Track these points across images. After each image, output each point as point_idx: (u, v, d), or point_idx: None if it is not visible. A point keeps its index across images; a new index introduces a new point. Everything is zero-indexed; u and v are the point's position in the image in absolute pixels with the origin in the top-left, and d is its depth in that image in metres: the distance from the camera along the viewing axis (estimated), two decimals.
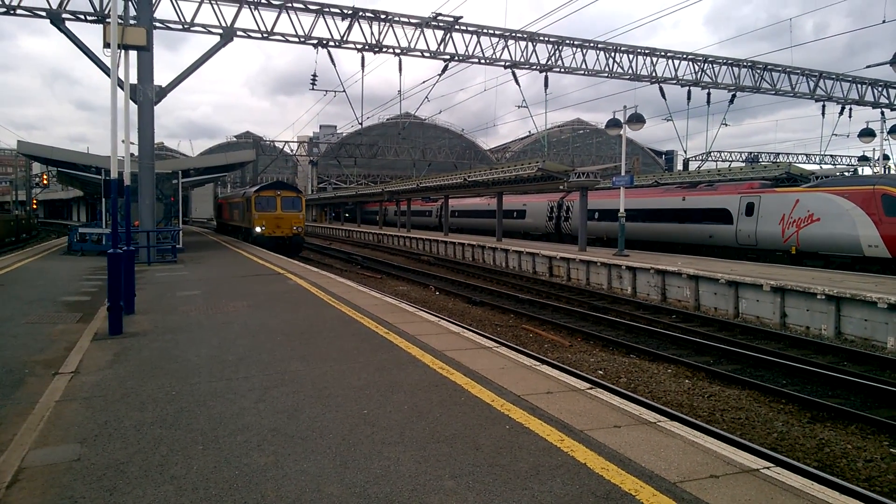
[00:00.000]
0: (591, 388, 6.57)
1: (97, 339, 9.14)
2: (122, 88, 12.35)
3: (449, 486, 4.30)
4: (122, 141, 12.59)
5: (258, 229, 31.56)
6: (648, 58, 30.95)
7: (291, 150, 68.10)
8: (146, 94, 20.57)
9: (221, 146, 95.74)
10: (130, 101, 14.93)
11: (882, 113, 36.22)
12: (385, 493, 4.18)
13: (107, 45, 10.73)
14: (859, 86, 35.00)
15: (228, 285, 15.30)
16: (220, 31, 23.03)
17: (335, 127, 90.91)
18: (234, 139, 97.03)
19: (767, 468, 4.59)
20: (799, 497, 4.13)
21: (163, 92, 21.71)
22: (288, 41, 25.27)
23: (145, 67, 20.53)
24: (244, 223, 35.20)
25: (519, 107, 36.01)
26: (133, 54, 14.18)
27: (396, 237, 45.27)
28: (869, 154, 44.44)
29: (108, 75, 10.51)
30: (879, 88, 35.51)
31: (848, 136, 38.89)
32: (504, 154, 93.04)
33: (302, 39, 25.23)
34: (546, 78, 30.14)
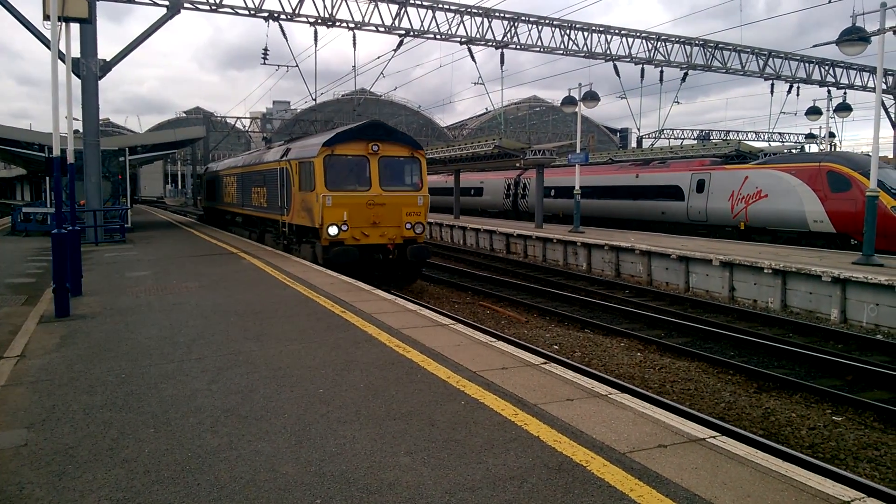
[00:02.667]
0: (545, 363, 6.66)
1: (43, 322, 8.89)
2: (64, 62, 11.91)
3: (404, 462, 4.32)
4: (66, 117, 12.17)
5: (331, 231, 14.87)
6: (603, 35, 31.09)
7: (244, 127, 66.77)
8: (90, 69, 19.85)
9: (171, 122, 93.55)
10: (73, 76, 14.41)
11: (828, 91, 37.17)
12: (341, 471, 4.19)
13: (46, 17, 10.29)
14: (807, 65, 35.80)
15: (180, 265, 15.00)
16: (167, 2, 22.32)
17: (289, 103, 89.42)
18: (184, 115, 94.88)
19: (714, 437, 4.74)
20: (743, 464, 4.27)
21: (107, 66, 20.98)
22: (238, 14, 24.63)
23: (88, 40, 19.78)
24: (287, 215, 17.60)
25: (475, 83, 35.99)
26: (75, 26, 13.67)
27: None
28: (815, 132, 45.68)
29: (49, 48, 10.10)
30: (826, 67, 36.38)
31: (796, 114, 39.84)
32: (461, 131, 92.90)
33: (252, 12, 24.62)
34: (502, 55, 30.07)
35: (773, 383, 9.67)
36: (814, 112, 35.03)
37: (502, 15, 29.11)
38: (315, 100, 31.67)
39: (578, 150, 25.76)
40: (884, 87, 32.44)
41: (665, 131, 52.58)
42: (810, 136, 47.04)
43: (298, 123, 68.28)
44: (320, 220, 14.80)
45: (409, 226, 15.55)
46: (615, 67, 31.92)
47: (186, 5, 22.96)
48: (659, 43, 32.34)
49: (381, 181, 15.31)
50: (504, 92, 38.62)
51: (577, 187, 24.82)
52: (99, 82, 20.48)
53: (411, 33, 27.40)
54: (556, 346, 11.62)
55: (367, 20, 26.32)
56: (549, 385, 5.91)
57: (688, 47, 32.85)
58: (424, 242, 16.21)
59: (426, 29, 27.56)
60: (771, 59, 34.73)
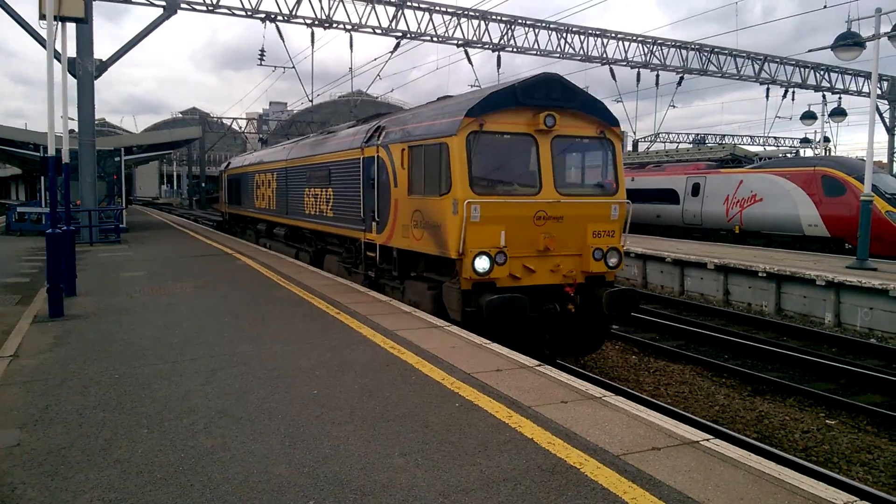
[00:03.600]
0: (539, 365, 6.66)
1: (37, 322, 8.86)
2: (60, 62, 11.90)
3: (398, 463, 4.32)
4: (61, 116, 12.15)
5: (479, 265, 8.88)
6: (599, 39, 31.15)
7: (240, 128, 66.76)
8: (85, 68, 19.83)
9: (167, 122, 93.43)
10: (69, 76, 14.39)
11: (823, 96, 37.31)
12: (334, 472, 4.18)
13: (42, 16, 10.29)
14: (802, 69, 35.91)
15: (174, 266, 14.97)
16: (164, 2, 22.29)
17: (285, 104, 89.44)
18: (180, 115, 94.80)
19: (707, 440, 4.74)
20: (737, 468, 4.27)
21: (103, 66, 20.94)
22: (234, 15, 24.60)
23: (84, 40, 19.76)
24: (377, 233, 11.44)
25: (472, 86, 35.93)
26: (71, 26, 13.66)
27: None
28: (811, 136, 45.89)
29: (45, 48, 10.09)
30: (821, 72, 36.50)
31: (791, 118, 40.01)
32: None
33: (249, 13, 24.60)
34: (499, 57, 30.08)
35: (767, 387, 9.70)
36: (809, 117, 35.22)
37: (499, 18, 29.15)
38: (311, 101, 31.65)
39: None
40: (878, 92, 32.57)
41: (661, 135, 52.73)
42: (805, 141, 47.26)
43: (295, 124, 68.27)
44: (459, 246, 8.81)
45: (597, 254, 9.57)
46: (611, 71, 32.00)
47: (183, 6, 22.93)
48: (655, 47, 32.41)
49: (557, 180, 9.42)
50: None
51: None
52: (95, 82, 20.46)
53: (408, 35, 27.40)
54: None
55: (363, 22, 26.33)
56: (544, 387, 5.92)
57: (684, 51, 32.93)
58: (619, 281, 10.60)
59: (423, 31, 27.56)
60: (767, 63, 34.83)
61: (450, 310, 9.33)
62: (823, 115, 36.20)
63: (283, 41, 26.18)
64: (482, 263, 8.82)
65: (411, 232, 10.12)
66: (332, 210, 14.06)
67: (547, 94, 9.36)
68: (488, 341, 7.76)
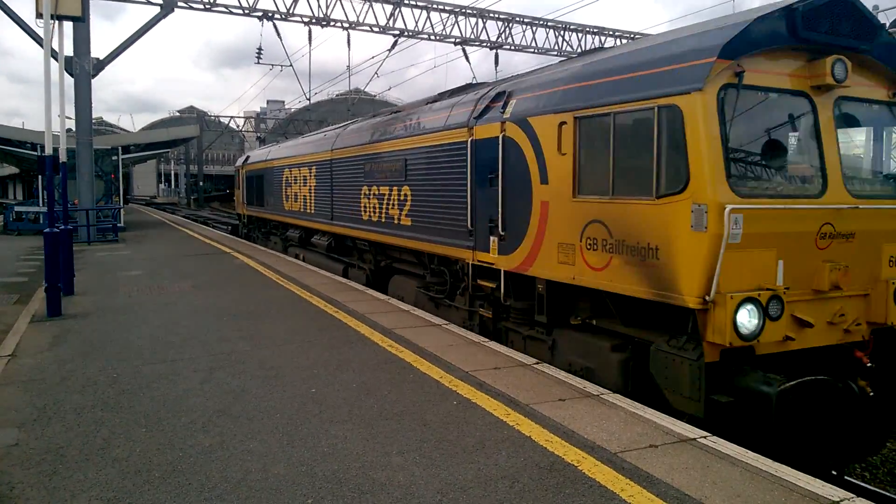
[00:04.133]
0: (537, 363, 6.67)
1: (35, 322, 8.86)
2: (57, 61, 11.88)
3: (396, 461, 4.33)
4: (58, 115, 12.13)
5: (744, 320, 5.14)
6: (597, 36, 31.20)
7: (238, 126, 66.71)
8: (83, 67, 19.80)
9: (164, 121, 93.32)
10: (66, 74, 14.36)
11: None
12: (332, 471, 4.19)
13: (39, 15, 10.27)
14: None
15: (172, 265, 14.96)
16: (161, 1, 22.26)
17: (283, 102, 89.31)
18: (178, 114, 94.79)
19: (704, 437, 4.75)
20: (734, 464, 4.29)
21: (101, 64, 20.91)
22: (232, 13, 24.59)
23: (81, 39, 19.74)
24: (501, 253, 7.77)
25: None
26: (68, 25, 13.65)
27: None
28: None
29: (42, 47, 10.08)
30: None
31: None
32: None
33: (246, 12, 24.59)
34: (496, 55, 30.11)
35: None
36: None
37: (497, 16, 29.17)
38: (309, 99, 31.63)
39: None
40: None
41: None
42: None
43: (293, 123, 68.25)
44: (706, 286, 5.19)
45: None
46: None
47: (180, 4, 22.91)
48: None
49: (843, 170, 6.00)
50: None
51: None
52: (92, 81, 20.42)
53: (406, 33, 27.41)
54: None
55: (361, 20, 26.33)
56: (542, 385, 5.93)
57: None
58: None
59: (421, 29, 27.57)
60: None
61: (672, 392, 5.73)
62: None
63: (281, 39, 26.15)
64: (749, 319, 5.25)
65: (581, 255, 6.54)
66: (408, 216, 10.40)
67: (832, 25, 5.75)
68: (486, 340, 7.74)
